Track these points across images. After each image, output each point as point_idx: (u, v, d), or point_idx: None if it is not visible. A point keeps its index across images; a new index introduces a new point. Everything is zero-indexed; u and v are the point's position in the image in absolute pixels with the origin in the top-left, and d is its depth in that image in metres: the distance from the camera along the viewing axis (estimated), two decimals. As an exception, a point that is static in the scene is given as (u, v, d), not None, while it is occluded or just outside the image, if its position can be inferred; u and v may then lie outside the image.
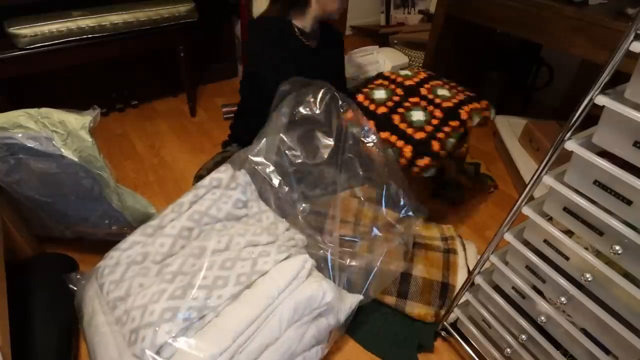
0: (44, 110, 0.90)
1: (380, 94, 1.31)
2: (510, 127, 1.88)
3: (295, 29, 1.30)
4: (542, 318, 0.79)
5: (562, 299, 0.73)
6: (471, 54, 1.95)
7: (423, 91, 1.30)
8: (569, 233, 0.71)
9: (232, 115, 2.02)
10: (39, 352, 0.91)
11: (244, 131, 1.42)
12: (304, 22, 1.31)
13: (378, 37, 2.85)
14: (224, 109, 2.11)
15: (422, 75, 1.38)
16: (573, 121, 0.61)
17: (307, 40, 1.33)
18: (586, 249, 0.68)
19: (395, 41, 2.43)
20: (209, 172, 1.20)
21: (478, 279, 0.91)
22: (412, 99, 1.27)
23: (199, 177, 1.25)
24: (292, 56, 1.29)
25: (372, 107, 1.26)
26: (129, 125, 2.02)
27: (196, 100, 2.15)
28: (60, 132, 0.90)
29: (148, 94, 2.22)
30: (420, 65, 2.11)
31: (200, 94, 2.32)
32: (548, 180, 0.68)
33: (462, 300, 1.00)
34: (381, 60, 2.19)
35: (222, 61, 2.41)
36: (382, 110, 1.24)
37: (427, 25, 2.27)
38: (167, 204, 1.54)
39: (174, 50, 1.90)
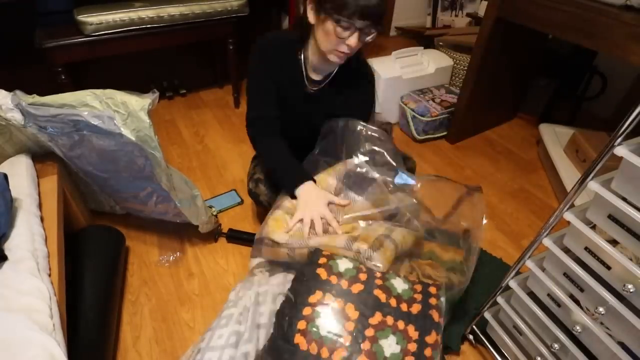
0: (108, 91, 0.98)
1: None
2: (555, 136, 1.82)
3: (303, 65, 1.09)
4: (578, 328, 0.77)
5: (601, 309, 0.71)
6: (519, 59, 1.90)
7: (381, 296, 0.87)
8: (612, 242, 0.69)
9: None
10: (86, 309, 1.00)
11: None
12: (312, 56, 1.07)
13: (423, 38, 2.83)
14: (266, 102, 2.17)
15: (362, 267, 0.93)
16: (625, 126, 0.60)
17: (310, 83, 1.12)
18: (630, 259, 0.67)
19: (440, 43, 2.41)
20: (266, 175, 1.26)
21: (512, 284, 0.90)
22: (372, 320, 0.84)
23: (256, 181, 1.25)
24: (285, 96, 1.11)
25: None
26: (176, 113, 2.13)
27: (241, 92, 2.23)
28: (121, 112, 0.97)
29: (196, 84, 2.33)
30: (465, 68, 2.07)
31: (245, 87, 2.39)
32: (594, 186, 0.67)
33: (493, 305, 0.99)
34: (425, 61, 2.18)
35: (267, 56, 2.48)
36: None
37: (474, 29, 2.24)
38: (208, 189, 1.63)
39: (223, 43, 1.98)
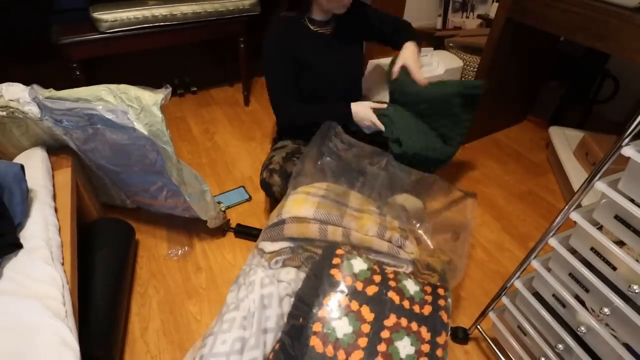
0: (122, 86, 1.00)
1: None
2: (565, 139, 1.81)
3: (308, 24, 1.30)
4: (582, 329, 0.77)
5: (606, 310, 0.71)
6: (530, 61, 1.89)
7: (395, 298, 0.90)
8: (619, 243, 0.69)
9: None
10: (96, 298, 1.02)
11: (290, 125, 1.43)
12: (316, 14, 1.30)
13: (433, 39, 2.82)
14: (276, 101, 2.18)
15: (376, 268, 0.96)
16: (633, 126, 0.60)
17: (322, 28, 1.32)
18: (637, 260, 0.67)
19: (450, 44, 2.40)
20: (281, 166, 1.28)
21: (517, 284, 0.90)
22: (388, 322, 0.86)
23: (270, 171, 1.28)
24: (305, 56, 1.28)
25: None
26: (187, 110, 2.16)
27: (251, 91, 2.25)
28: (135, 106, 1.00)
29: (207, 82, 2.36)
30: (475, 69, 2.07)
31: (255, 85, 2.42)
32: (601, 186, 0.67)
33: (498, 304, 0.99)
34: (435, 62, 2.18)
35: (277, 55, 2.50)
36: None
37: (485, 30, 2.23)
38: (217, 185, 1.65)
39: (234, 41, 2.00)
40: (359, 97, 1.53)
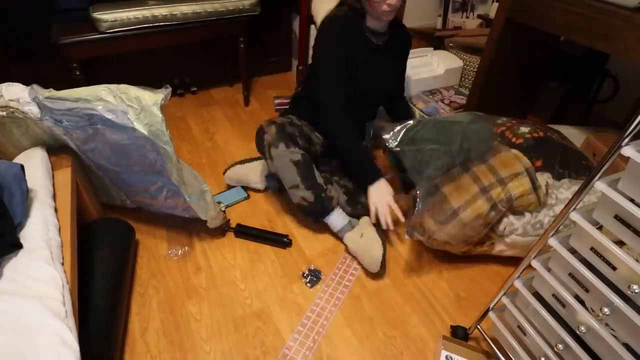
0: (122, 86, 1.00)
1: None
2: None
3: (365, 29, 1.32)
4: (582, 328, 0.77)
5: (606, 310, 0.71)
6: (530, 61, 1.88)
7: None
8: (619, 242, 0.69)
9: (284, 107, 2.10)
10: (96, 299, 1.02)
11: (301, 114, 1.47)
12: (370, 21, 1.32)
13: (433, 40, 2.82)
14: (276, 101, 2.19)
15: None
16: (633, 126, 0.60)
17: (374, 37, 1.33)
18: (637, 260, 0.67)
19: (450, 44, 2.40)
20: (282, 123, 1.33)
21: (517, 284, 0.90)
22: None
23: (271, 122, 1.33)
24: (355, 56, 1.30)
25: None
26: (187, 110, 2.16)
27: (250, 91, 2.25)
28: (134, 106, 1.00)
29: (206, 82, 2.36)
30: (475, 69, 2.07)
31: (255, 85, 2.42)
32: (600, 186, 0.67)
33: (498, 304, 0.99)
34: (435, 62, 2.18)
35: (277, 55, 2.50)
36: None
37: (485, 30, 2.23)
38: (217, 185, 1.65)
39: (234, 41, 2.00)
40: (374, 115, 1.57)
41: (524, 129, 1.33)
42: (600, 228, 0.73)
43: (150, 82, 1.05)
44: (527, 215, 1.21)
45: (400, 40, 1.44)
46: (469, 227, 1.18)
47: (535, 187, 1.18)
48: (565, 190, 1.25)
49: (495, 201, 1.17)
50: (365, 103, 1.43)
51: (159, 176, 1.19)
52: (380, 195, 1.28)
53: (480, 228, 1.20)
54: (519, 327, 0.95)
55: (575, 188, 1.25)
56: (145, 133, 1.01)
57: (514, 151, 1.26)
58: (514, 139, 1.31)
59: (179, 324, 1.15)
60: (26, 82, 1.10)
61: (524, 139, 1.30)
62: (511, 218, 1.22)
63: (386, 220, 1.26)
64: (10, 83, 1.10)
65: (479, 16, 2.98)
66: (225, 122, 2.08)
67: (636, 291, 0.65)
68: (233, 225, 1.44)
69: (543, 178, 1.26)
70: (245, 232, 1.41)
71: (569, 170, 1.31)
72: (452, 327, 1.15)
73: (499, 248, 1.30)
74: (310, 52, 1.70)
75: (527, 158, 1.23)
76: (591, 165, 1.37)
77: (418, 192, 1.18)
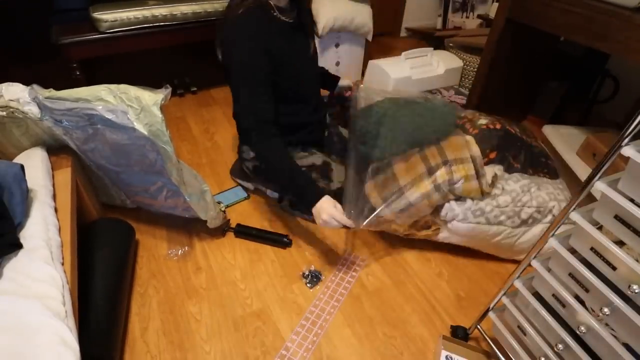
0: (122, 86, 1.00)
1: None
2: (561, 137, 1.79)
3: (272, 8, 1.21)
4: (582, 328, 0.77)
5: (606, 310, 0.71)
6: (530, 61, 1.89)
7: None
8: (619, 243, 0.69)
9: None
10: (96, 298, 1.02)
11: None
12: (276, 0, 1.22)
13: (433, 40, 2.83)
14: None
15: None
16: (633, 126, 0.60)
17: (284, 15, 1.24)
18: (637, 260, 0.67)
19: (450, 44, 2.40)
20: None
21: (517, 284, 0.90)
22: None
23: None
24: (276, 46, 1.20)
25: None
26: (187, 110, 2.16)
27: (250, 91, 2.24)
28: (134, 106, 1.00)
29: (206, 82, 2.36)
30: (475, 69, 2.07)
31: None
32: (600, 186, 0.67)
33: (498, 304, 0.99)
34: (435, 62, 2.18)
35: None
36: None
37: (485, 30, 2.23)
38: (217, 185, 1.65)
39: (234, 41, 2.00)
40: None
41: (482, 121, 1.35)
42: (600, 228, 0.73)
43: (150, 82, 1.05)
44: (469, 201, 1.22)
45: (306, 15, 1.34)
46: (414, 208, 1.21)
47: (478, 174, 1.20)
48: (513, 182, 1.26)
49: (439, 183, 1.19)
50: (309, 86, 1.37)
51: (159, 176, 1.19)
52: (325, 213, 1.14)
53: (424, 208, 1.23)
54: (519, 327, 0.95)
55: (525, 182, 1.27)
56: (145, 133, 1.01)
57: (468, 137, 1.27)
58: (470, 129, 1.33)
59: (179, 324, 1.15)
60: (26, 82, 1.10)
61: (480, 130, 1.32)
62: (452, 203, 1.23)
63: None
64: (10, 83, 1.10)
65: (479, 16, 2.99)
66: (225, 122, 2.08)
67: (636, 291, 0.65)
68: (233, 225, 1.44)
69: (493, 169, 1.27)
70: (245, 232, 1.41)
71: (524, 165, 1.32)
72: (452, 327, 1.15)
73: (444, 235, 1.31)
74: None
75: (480, 147, 1.25)
76: (551, 163, 1.39)
77: (370, 167, 1.22)
